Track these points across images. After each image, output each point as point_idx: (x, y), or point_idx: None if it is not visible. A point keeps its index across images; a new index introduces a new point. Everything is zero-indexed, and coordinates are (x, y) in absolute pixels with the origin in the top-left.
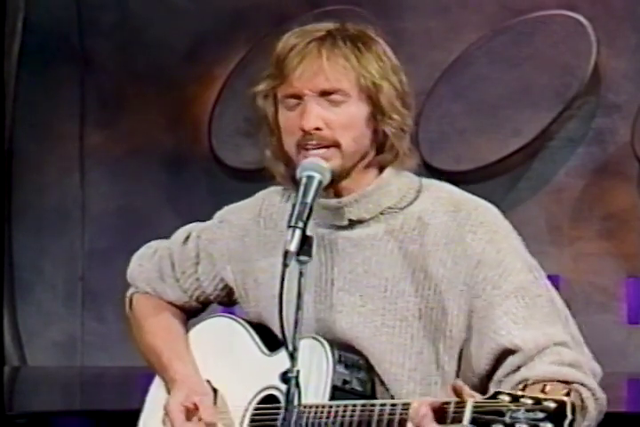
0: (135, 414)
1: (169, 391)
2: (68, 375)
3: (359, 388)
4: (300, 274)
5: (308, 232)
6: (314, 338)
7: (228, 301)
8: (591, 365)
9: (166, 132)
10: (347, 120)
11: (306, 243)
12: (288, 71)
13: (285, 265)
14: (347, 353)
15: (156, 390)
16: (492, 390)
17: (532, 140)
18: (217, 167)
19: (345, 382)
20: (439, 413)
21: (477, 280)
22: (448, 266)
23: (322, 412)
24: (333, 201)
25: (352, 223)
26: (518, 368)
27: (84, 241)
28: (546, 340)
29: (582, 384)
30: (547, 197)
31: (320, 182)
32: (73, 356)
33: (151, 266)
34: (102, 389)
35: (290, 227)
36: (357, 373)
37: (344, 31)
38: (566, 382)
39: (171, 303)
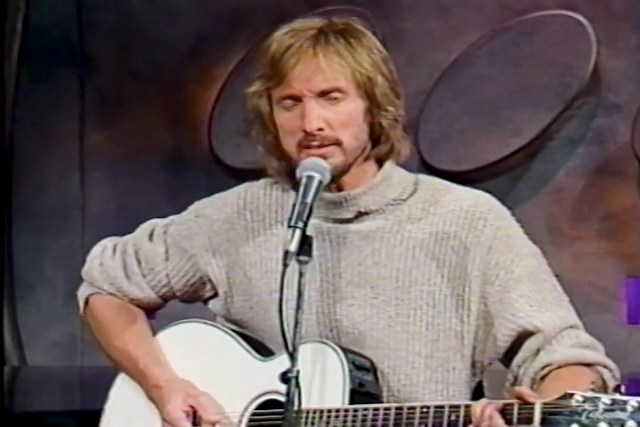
0: None
1: (151, 399)
2: (68, 375)
3: (373, 390)
4: (300, 274)
5: (308, 231)
6: (322, 342)
7: (193, 297)
8: (600, 346)
9: (166, 132)
10: (346, 118)
11: (306, 243)
12: (285, 72)
13: (285, 265)
14: (355, 356)
15: (119, 398)
16: (510, 374)
17: (532, 140)
18: (217, 167)
19: (360, 384)
20: (502, 415)
21: (490, 266)
22: (460, 253)
23: (346, 416)
24: (340, 195)
25: (358, 216)
26: (537, 351)
27: (83, 241)
28: (561, 322)
29: (604, 366)
30: (547, 197)
31: (320, 182)
32: (73, 356)
33: (114, 264)
34: (102, 389)
35: (290, 227)
36: (367, 375)
37: (333, 26)
38: (588, 365)
39: (133, 301)
